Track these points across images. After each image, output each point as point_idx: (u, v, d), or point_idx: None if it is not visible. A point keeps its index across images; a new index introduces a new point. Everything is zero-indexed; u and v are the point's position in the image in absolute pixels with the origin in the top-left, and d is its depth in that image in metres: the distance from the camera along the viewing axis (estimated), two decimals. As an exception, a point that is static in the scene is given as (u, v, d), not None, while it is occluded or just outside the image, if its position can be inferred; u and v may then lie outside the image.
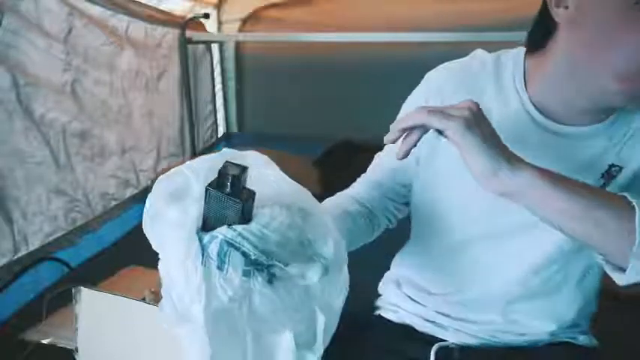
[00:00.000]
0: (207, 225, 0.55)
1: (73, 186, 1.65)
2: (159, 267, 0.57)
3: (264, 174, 0.61)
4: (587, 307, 0.84)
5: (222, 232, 0.53)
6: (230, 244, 0.52)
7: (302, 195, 0.61)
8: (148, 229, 0.57)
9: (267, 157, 0.62)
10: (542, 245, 0.76)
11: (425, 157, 0.80)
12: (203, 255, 0.52)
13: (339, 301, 0.59)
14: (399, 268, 0.96)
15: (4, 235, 1.40)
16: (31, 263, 1.46)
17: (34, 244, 1.50)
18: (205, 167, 0.58)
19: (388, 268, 0.99)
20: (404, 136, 0.63)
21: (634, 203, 0.58)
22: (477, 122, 0.60)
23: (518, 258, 0.78)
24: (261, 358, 0.55)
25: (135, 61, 1.97)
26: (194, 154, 2.47)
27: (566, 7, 0.66)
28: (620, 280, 0.61)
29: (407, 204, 0.89)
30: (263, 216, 0.55)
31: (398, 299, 0.92)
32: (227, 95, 2.81)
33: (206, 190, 0.54)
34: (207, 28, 2.54)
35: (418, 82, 0.87)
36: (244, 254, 0.52)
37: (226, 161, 0.54)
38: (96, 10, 1.73)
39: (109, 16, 1.81)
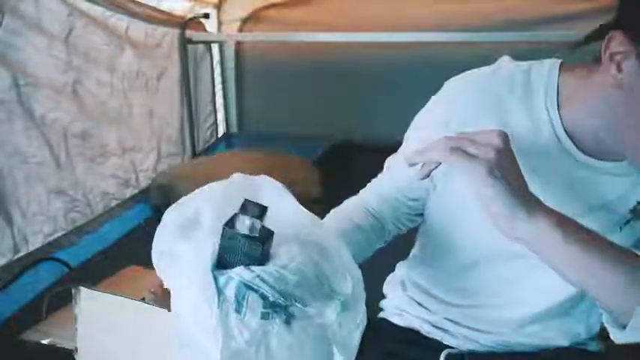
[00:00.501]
0: (221, 263, 0.52)
1: (73, 186, 1.65)
2: (171, 306, 0.55)
3: (277, 203, 0.58)
4: (598, 321, 0.83)
5: (240, 273, 0.51)
6: (248, 287, 0.50)
7: (317, 227, 0.60)
8: (157, 265, 0.56)
9: (279, 184, 0.60)
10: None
11: (444, 174, 0.74)
12: (219, 297, 0.50)
13: (356, 335, 0.57)
14: (407, 271, 0.92)
15: (4, 235, 1.40)
16: (31, 263, 1.46)
17: (34, 244, 1.50)
18: (217, 197, 0.56)
19: (392, 270, 0.97)
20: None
21: None
22: (502, 165, 0.57)
23: (539, 283, 0.75)
24: None
25: (135, 61, 1.97)
26: (194, 154, 2.47)
27: (620, 71, 0.60)
28: (616, 336, 0.61)
29: (420, 215, 0.85)
30: (280, 256, 0.54)
31: (403, 302, 0.90)
32: (227, 95, 2.81)
33: (223, 228, 0.52)
34: (207, 28, 2.54)
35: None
36: (263, 296, 0.50)
37: (245, 200, 0.52)
38: (96, 10, 1.73)
39: (109, 16, 1.81)
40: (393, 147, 0.89)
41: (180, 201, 0.57)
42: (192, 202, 0.57)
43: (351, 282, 0.56)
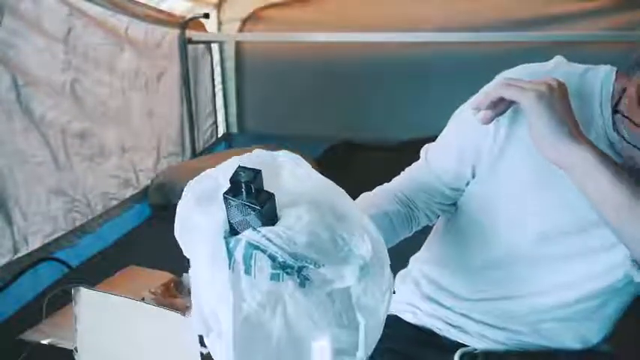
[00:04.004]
0: (233, 231, 0.54)
1: (72, 186, 1.65)
2: (189, 273, 0.56)
3: (295, 173, 0.59)
4: (611, 330, 0.84)
5: (247, 235, 0.52)
6: (255, 247, 0.51)
7: (334, 192, 0.59)
8: (178, 235, 0.57)
9: (298, 156, 0.61)
10: (593, 280, 0.75)
11: (486, 168, 0.75)
12: (230, 259, 0.51)
13: (383, 304, 0.56)
14: (422, 266, 0.92)
15: (4, 235, 1.40)
16: (31, 263, 1.46)
17: (34, 244, 1.50)
18: (235, 169, 0.56)
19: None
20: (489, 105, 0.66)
21: None
22: (550, 96, 0.62)
23: (564, 286, 0.77)
24: None
25: (135, 61, 1.97)
26: (194, 154, 2.47)
27: None
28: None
29: (453, 205, 0.84)
30: (288, 217, 0.54)
31: (416, 299, 0.89)
32: (227, 95, 2.81)
33: (224, 198, 0.53)
34: (207, 28, 2.54)
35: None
36: (271, 257, 0.51)
37: (238, 166, 0.53)
38: (96, 10, 1.73)
39: (109, 16, 1.81)
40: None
41: (202, 174, 0.59)
42: (212, 174, 0.58)
43: (370, 244, 0.54)
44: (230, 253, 0.51)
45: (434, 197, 0.82)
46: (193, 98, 2.45)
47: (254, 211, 0.52)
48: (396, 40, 2.29)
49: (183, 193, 0.57)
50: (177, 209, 0.57)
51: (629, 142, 0.64)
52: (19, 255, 1.45)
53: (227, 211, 0.53)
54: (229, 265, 0.51)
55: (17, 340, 1.20)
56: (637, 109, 0.61)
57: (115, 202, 1.88)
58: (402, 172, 0.86)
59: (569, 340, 0.82)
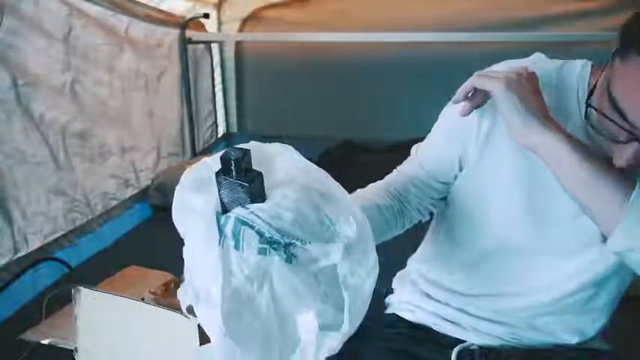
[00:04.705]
0: (225, 210, 0.57)
1: (72, 186, 1.65)
2: (183, 251, 0.58)
3: (286, 161, 0.62)
4: (607, 322, 0.85)
5: (236, 211, 0.55)
6: (243, 222, 0.54)
7: (322, 176, 0.62)
8: (175, 218, 0.60)
9: (291, 147, 0.64)
10: (582, 271, 0.76)
11: (473, 161, 0.78)
12: (221, 236, 0.54)
13: (369, 282, 0.59)
14: (419, 265, 0.93)
15: (4, 235, 1.40)
16: (31, 263, 1.46)
17: (34, 244, 1.50)
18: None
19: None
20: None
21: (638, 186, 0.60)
22: (519, 83, 0.66)
23: (556, 278, 0.78)
24: (283, 339, 0.56)
25: (135, 61, 1.97)
26: (194, 154, 2.46)
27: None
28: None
29: (444, 199, 0.86)
30: (276, 195, 0.57)
31: (414, 297, 0.91)
32: (227, 95, 2.81)
33: (215, 176, 0.56)
34: (207, 28, 2.54)
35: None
36: (259, 233, 0.53)
37: (228, 147, 0.56)
38: (96, 10, 1.73)
39: (109, 16, 1.81)
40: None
41: (199, 162, 0.62)
42: (208, 162, 0.61)
43: (355, 226, 0.57)
44: (221, 231, 0.54)
45: (424, 191, 0.84)
46: (193, 98, 2.45)
47: (243, 188, 0.55)
48: (396, 40, 2.29)
49: (181, 180, 0.60)
50: (175, 194, 0.60)
51: (597, 131, 0.65)
52: (19, 255, 1.45)
53: (219, 191, 0.56)
54: (219, 241, 0.54)
55: (17, 340, 1.20)
56: (603, 99, 0.62)
57: (115, 202, 1.88)
58: (394, 170, 0.89)
59: (566, 333, 0.82)
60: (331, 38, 2.35)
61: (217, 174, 0.56)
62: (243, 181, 0.55)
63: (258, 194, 0.56)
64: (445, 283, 0.87)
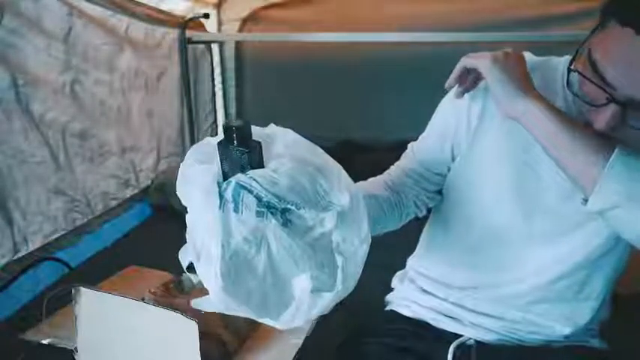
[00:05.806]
0: (225, 177, 0.60)
1: (72, 186, 1.65)
2: (186, 218, 0.61)
3: (284, 140, 0.65)
4: (600, 313, 0.86)
5: (236, 177, 0.59)
6: (243, 187, 0.57)
7: (318, 152, 0.66)
8: (178, 190, 0.63)
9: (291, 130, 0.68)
10: (574, 253, 0.79)
11: (465, 148, 0.81)
12: (221, 201, 0.57)
13: (361, 250, 0.62)
14: (416, 262, 0.95)
15: (4, 235, 1.40)
16: (31, 263, 1.46)
17: (34, 244, 1.50)
18: None
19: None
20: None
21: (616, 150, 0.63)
22: (505, 60, 0.71)
23: (549, 262, 0.80)
24: (278, 297, 0.59)
25: (135, 61, 1.97)
26: (194, 154, 2.47)
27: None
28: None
29: (439, 192, 0.89)
30: (273, 164, 0.61)
31: (412, 294, 0.93)
32: (227, 95, 2.81)
33: (217, 145, 0.59)
34: (207, 28, 2.54)
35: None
36: (257, 197, 0.57)
37: (228, 119, 0.60)
38: (96, 10, 1.73)
39: (109, 16, 1.81)
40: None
41: (203, 140, 0.66)
42: (212, 141, 0.63)
43: (349, 196, 0.61)
44: (221, 195, 0.57)
45: (419, 182, 0.87)
46: (193, 98, 2.45)
47: (243, 155, 0.59)
48: (396, 40, 2.28)
49: (186, 156, 0.64)
50: (180, 169, 0.63)
51: (578, 97, 0.69)
52: (19, 255, 1.45)
53: (220, 161, 0.60)
54: (220, 205, 0.57)
55: (17, 340, 1.20)
56: (585, 66, 0.67)
57: (115, 202, 1.88)
58: (392, 165, 0.92)
59: (559, 323, 0.84)
60: (331, 38, 2.35)
61: (219, 143, 0.59)
62: (244, 148, 0.58)
63: (257, 162, 0.60)
64: (442, 278, 0.89)
